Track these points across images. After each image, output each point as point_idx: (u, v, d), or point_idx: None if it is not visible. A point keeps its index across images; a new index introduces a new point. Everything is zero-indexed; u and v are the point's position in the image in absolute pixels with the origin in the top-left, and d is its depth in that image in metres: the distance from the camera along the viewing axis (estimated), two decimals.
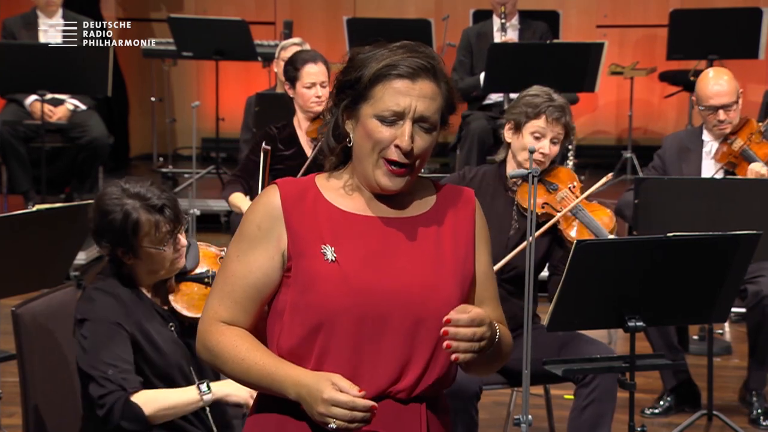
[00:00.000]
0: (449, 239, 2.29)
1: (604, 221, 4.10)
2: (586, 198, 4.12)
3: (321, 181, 2.31)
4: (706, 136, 5.16)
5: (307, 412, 2.17)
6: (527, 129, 3.99)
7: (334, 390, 2.12)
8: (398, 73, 2.21)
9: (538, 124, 3.98)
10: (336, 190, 2.29)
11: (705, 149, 5.17)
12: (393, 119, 2.22)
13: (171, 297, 3.23)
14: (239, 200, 5.09)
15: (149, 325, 3.12)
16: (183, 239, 3.20)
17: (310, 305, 2.21)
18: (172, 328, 3.18)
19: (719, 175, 5.04)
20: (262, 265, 2.25)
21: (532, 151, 3.65)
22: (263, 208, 2.27)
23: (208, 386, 3.08)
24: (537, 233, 3.93)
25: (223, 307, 2.27)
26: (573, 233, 4.04)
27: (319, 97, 5.08)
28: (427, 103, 2.23)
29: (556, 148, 4.01)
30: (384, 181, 2.24)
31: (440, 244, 2.28)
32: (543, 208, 4.05)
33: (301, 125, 5.17)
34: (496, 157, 4.17)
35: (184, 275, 3.26)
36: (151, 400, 3.03)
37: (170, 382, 3.13)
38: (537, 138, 3.98)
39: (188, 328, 3.20)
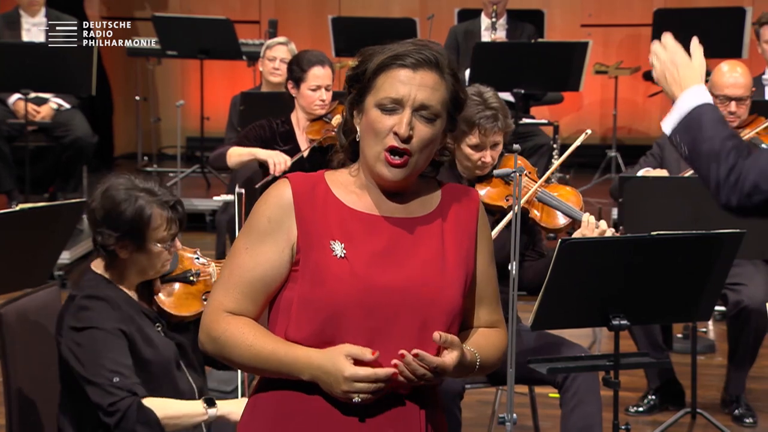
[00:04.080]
0: (453, 239, 2.31)
1: (570, 200, 4.09)
2: (545, 181, 4.10)
3: (330, 177, 2.32)
4: None
5: (326, 390, 2.19)
6: (465, 143, 3.93)
7: (352, 366, 2.15)
8: (401, 63, 2.23)
9: (474, 137, 3.90)
10: (345, 187, 2.30)
11: None
12: (393, 107, 2.23)
13: (157, 297, 3.22)
14: (236, 151, 5.10)
15: (143, 324, 3.11)
16: (178, 243, 3.20)
17: (320, 299, 2.21)
18: (159, 328, 3.17)
19: None
20: (270, 258, 2.25)
21: (517, 151, 3.66)
22: (274, 201, 2.27)
23: (214, 402, 3.07)
24: (504, 221, 3.92)
25: (228, 298, 2.27)
26: (544, 217, 4.04)
27: (323, 100, 5.07)
28: (428, 93, 2.24)
29: (497, 152, 3.97)
30: (384, 172, 2.24)
31: (444, 244, 2.29)
32: (507, 200, 4.04)
33: (300, 124, 5.16)
34: (441, 159, 4.14)
35: (166, 276, 3.25)
36: (160, 407, 3.01)
37: (168, 380, 3.12)
38: (476, 149, 3.93)
39: (174, 327, 3.20)
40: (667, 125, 2.72)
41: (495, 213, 4.03)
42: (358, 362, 2.17)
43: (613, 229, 3.97)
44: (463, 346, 2.25)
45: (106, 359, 3.00)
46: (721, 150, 2.58)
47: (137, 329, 3.09)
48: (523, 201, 3.96)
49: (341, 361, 2.16)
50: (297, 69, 5.13)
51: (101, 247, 3.12)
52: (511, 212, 3.95)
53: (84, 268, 3.23)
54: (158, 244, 3.10)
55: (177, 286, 3.26)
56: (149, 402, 3.00)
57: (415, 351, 2.17)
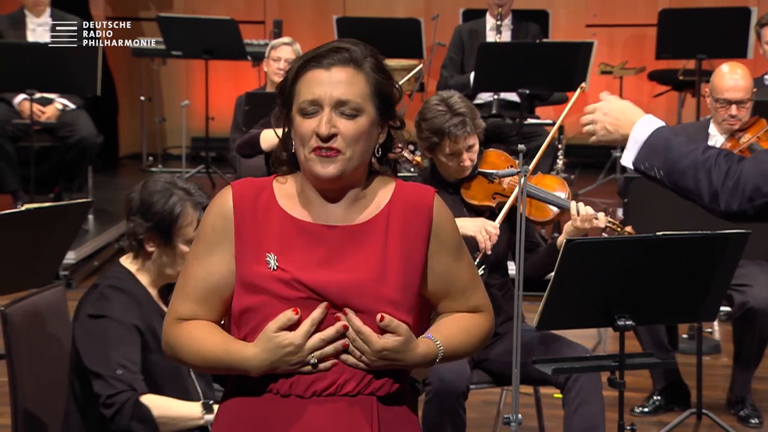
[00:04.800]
0: (398, 240, 2.26)
1: (556, 189, 4.09)
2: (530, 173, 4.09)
3: (278, 184, 2.30)
4: (713, 129, 5.11)
5: (282, 372, 2.19)
6: (440, 152, 3.94)
7: (291, 333, 2.17)
8: (314, 65, 2.23)
9: (447, 146, 3.91)
10: (290, 196, 2.28)
11: (710, 143, 5.11)
12: (313, 110, 2.21)
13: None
14: (269, 134, 5.15)
15: (157, 325, 3.11)
16: None
17: (251, 310, 2.22)
18: None
19: None
20: (219, 269, 2.26)
21: (521, 151, 3.66)
22: (216, 209, 2.28)
23: (212, 408, 3.06)
24: (497, 221, 3.93)
25: (183, 307, 2.28)
26: (534, 211, 4.03)
27: None
28: (343, 88, 2.21)
29: (474, 152, 3.97)
30: (317, 169, 2.21)
31: (386, 247, 2.25)
32: (494, 198, 4.04)
33: None
34: (423, 161, 4.17)
35: None
36: (157, 406, 3.01)
37: (175, 384, 3.13)
38: (452, 157, 3.94)
39: None
40: (627, 159, 2.74)
41: (484, 212, 4.04)
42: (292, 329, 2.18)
43: (603, 213, 3.96)
44: (414, 337, 2.23)
45: (115, 351, 3.01)
46: (707, 159, 2.59)
47: (151, 330, 3.09)
48: (512, 197, 3.96)
49: (278, 337, 2.17)
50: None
51: (131, 235, 3.14)
52: (503, 210, 3.96)
53: (114, 261, 3.26)
54: (185, 245, 3.12)
55: None
56: (148, 399, 3.00)
57: (345, 309, 2.18)
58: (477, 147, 3.98)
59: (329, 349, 2.19)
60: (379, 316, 2.19)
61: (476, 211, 4.03)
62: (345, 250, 2.24)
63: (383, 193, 2.29)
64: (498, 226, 3.91)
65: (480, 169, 4.03)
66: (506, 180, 4.05)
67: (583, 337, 4.85)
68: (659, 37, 7.95)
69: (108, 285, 3.13)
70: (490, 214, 4.03)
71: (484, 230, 3.87)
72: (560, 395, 3.96)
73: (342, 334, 2.20)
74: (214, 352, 2.23)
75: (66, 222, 4.06)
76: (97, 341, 3.04)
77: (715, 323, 6.08)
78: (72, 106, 7.31)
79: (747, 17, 7.71)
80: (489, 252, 3.87)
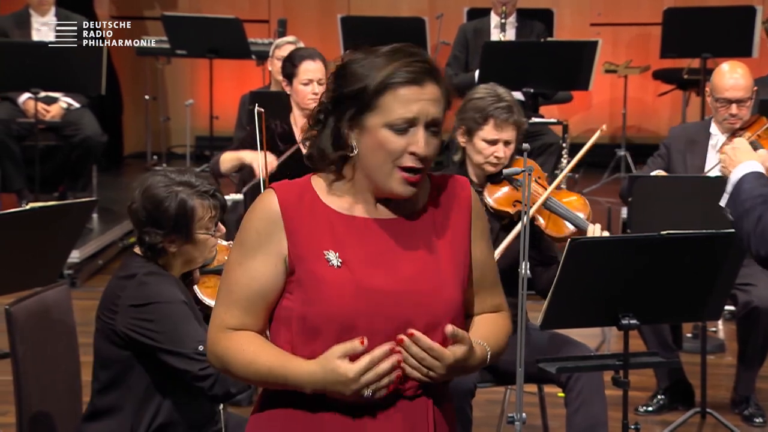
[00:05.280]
0: (446, 233, 2.29)
1: (578, 208, 4.08)
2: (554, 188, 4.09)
3: (317, 183, 2.28)
4: (714, 129, 5.10)
5: (337, 397, 2.17)
6: (478, 136, 3.93)
7: (348, 363, 2.13)
8: (404, 80, 2.18)
9: (488, 129, 3.91)
10: (333, 193, 2.27)
11: (711, 142, 5.11)
12: (405, 127, 2.19)
13: (196, 288, 3.28)
14: (228, 154, 5.11)
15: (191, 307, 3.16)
16: (222, 227, 3.25)
17: (320, 311, 2.19)
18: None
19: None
20: (264, 272, 2.23)
21: (526, 150, 3.66)
22: (261, 214, 2.25)
23: None
24: (515, 231, 3.92)
25: (229, 315, 2.25)
26: (551, 226, 4.03)
27: (315, 94, 5.07)
28: (436, 107, 2.21)
29: (510, 150, 3.97)
30: (400, 190, 2.21)
31: (438, 240, 2.27)
32: (515, 206, 4.03)
33: (297, 122, 5.16)
34: (454, 157, 4.15)
35: (203, 267, 3.30)
36: None
37: None
38: (490, 143, 3.93)
39: (206, 318, 3.23)
40: (723, 200, 2.97)
41: (503, 218, 4.02)
42: (353, 358, 2.15)
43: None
44: (472, 342, 2.23)
45: (184, 330, 3.04)
46: (752, 205, 2.68)
47: (191, 305, 3.14)
48: (532, 210, 3.95)
49: (337, 365, 2.14)
50: (289, 65, 5.15)
51: (149, 246, 3.14)
52: (520, 223, 3.95)
53: (128, 253, 3.27)
54: (208, 232, 3.16)
55: (216, 280, 3.28)
56: None
57: (410, 330, 2.16)
58: (513, 147, 3.97)
59: (384, 381, 2.16)
60: (448, 329, 2.17)
61: (495, 216, 4.00)
62: (399, 244, 2.24)
63: (423, 186, 2.29)
64: (496, 258, 3.91)
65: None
66: (531, 188, 4.04)
67: (588, 337, 4.85)
68: (664, 36, 7.95)
69: (144, 273, 3.13)
70: (509, 221, 4.01)
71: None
72: (564, 394, 3.96)
73: (396, 366, 2.16)
74: (269, 365, 2.19)
75: (70, 221, 4.07)
76: (163, 325, 3.05)
77: (720, 322, 6.08)
78: (76, 105, 7.32)
79: (752, 16, 7.70)
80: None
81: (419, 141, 2.18)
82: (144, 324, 3.07)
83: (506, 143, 3.95)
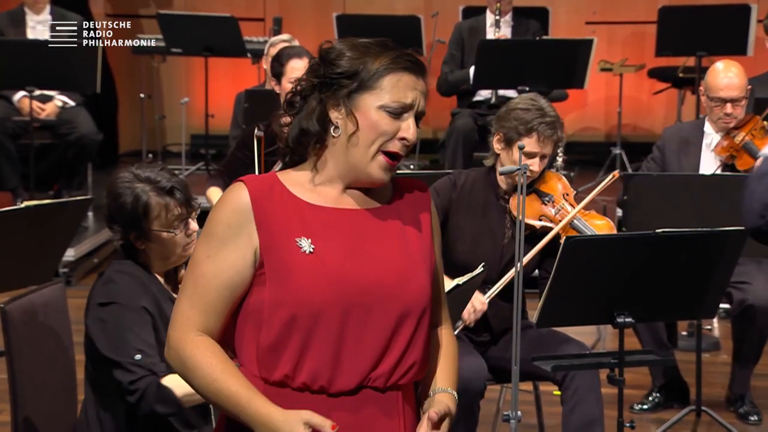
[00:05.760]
0: (412, 226, 2.31)
1: (602, 230, 4.08)
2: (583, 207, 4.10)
3: (284, 176, 2.30)
4: (708, 128, 5.11)
5: None
6: (517, 147, 3.95)
7: None
8: (406, 67, 2.24)
9: (530, 142, 3.89)
10: (300, 185, 2.28)
11: (705, 141, 5.11)
12: (399, 111, 2.23)
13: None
14: (214, 195, 5.08)
15: (166, 307, 3.11)
16: (194, 224, 3.18)
17: (292, 298, 2.18)
18: None
19: (719, 169, 5.02)
20: (234, 264, 2.22)
21: (521, 148, 3.66)
22: (232, 206, 2.24)
23: None
24: (538, 247, 3.95)
25: (194, 311, 2.23)
26: None
27: None
28: (425, 101, 2.27)
29: (543, 165, 3.99)
30: (379, 175, 2.24)
31: (405, 232, 2.30)
32: (541, 220, 4.03)
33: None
34: (485, 161, 4.13)
35: None
36: (179, 385, 2.98)
37: None
38: (528, 156, 3.91)
39: None
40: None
41: (525, 230, 4.02)
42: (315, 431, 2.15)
43: None
44: (448, 404, 2.31)
45: (129, 336, 3.00)
46: (750, 180, 2.64)
47: (159, 312, 3.09)
48: (559, 226, 3.97)
49: (296, 426, 2.14)
50: (277, 64, 5.13)
51: (121, 243, 3.14)
52: (545, 239, 3.96)
53: (118, 249, 3.25)
54: (168, 230, 3.10)
55: None
56: (169, 380, 2.98)
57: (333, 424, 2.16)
58: (546, 161, 3.98)
59: None
60: (433, 417, 2.25)
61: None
62: (369, 233, 2.26)
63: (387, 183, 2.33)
64: (487, 301, 3.92)
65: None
66: (557, 207, 4.04)
67: (583, 335, 4.85)
68: (659, 34, 7.95)
69: (114, 269, 3.12)
70: (530, 233, 4.00)
71: (471, 305, 3.88)
72: (559, 392, 3.97)
73: None
74: (234, 390, 2.17)
75: (65, 219, 4.06)
76: (110, 329, 3.02)
77: (715, 320, 6.09)
78: (72, 103, 7.32)
79: (747, 14, 7.70)
80: (471, 325, 3.90)
81: (411, 128, 2.24)
82: (97, 324, 3.05)
83: (542, 157, 3.96)
